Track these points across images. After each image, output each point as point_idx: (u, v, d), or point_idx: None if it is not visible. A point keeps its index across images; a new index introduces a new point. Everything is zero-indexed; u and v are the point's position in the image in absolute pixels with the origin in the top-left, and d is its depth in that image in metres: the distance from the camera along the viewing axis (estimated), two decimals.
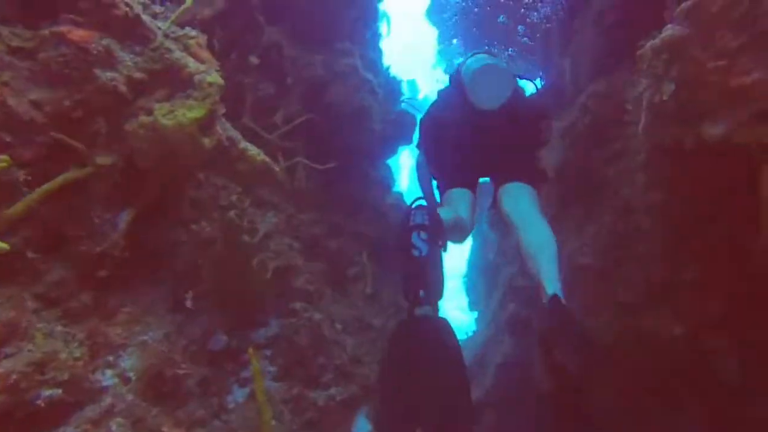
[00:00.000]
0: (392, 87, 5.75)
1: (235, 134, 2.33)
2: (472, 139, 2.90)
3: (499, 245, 5.05)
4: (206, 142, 2.00)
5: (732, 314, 2.63)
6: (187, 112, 1.82)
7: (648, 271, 2.95)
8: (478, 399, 5.24)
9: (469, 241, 8.11)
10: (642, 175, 2.73)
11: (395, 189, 5.61)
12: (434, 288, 2.16)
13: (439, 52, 8.11)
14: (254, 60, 3.64)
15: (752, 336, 2.58)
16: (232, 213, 2.57)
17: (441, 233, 2.28)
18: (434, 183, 3.23)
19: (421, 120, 3.27)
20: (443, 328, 2.11)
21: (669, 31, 2.06)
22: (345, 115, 4.22)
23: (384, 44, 6.21)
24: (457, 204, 2.88)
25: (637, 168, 2.76)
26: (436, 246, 2.22)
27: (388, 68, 6.14)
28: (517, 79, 3.03)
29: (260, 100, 3.79)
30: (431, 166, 3.17)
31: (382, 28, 6.28)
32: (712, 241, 2.55)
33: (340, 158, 4.31)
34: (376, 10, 5.27)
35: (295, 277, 3.21)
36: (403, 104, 5.89)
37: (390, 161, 6.16)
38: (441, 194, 3.09)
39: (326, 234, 4.00)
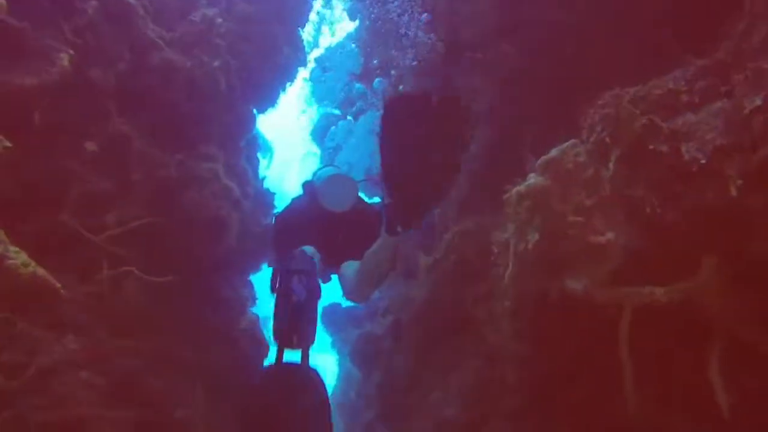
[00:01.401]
0: (264, 199, 5.41)
1: None
2: (318, 236, 3.22)
3: (361, 385, 4.57)
4: None
5: None
6: None
7: (515, 431, 2.67)
8: None
9: (333, 372, 7.52)
10: (508, 323, 2.56)
11: (253, 310, 4.99)
12: (309, 334, 2.40)
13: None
14: (91, 146, 3.09)
15: None
16: None
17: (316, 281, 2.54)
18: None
19: (275, 220, 3.80)
20: (312, 376, 2.36)
21: (532, 179, 2.01)
22: (197, 225, 3.71)
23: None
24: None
25: (504, 315, 2.60)
26: (314, 292, 2.46)
27: (263, 179, 5.86)
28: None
29: (90, 195, 3.16)
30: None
31: (266, 156, 6.09)
32: (578, 401, 2.37)
33: (185, 272, 3.69)
34: (254, 118, 5.08)
35: None
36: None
37: (254, 277, 5.61)
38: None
39: (149, 366, 3.21)
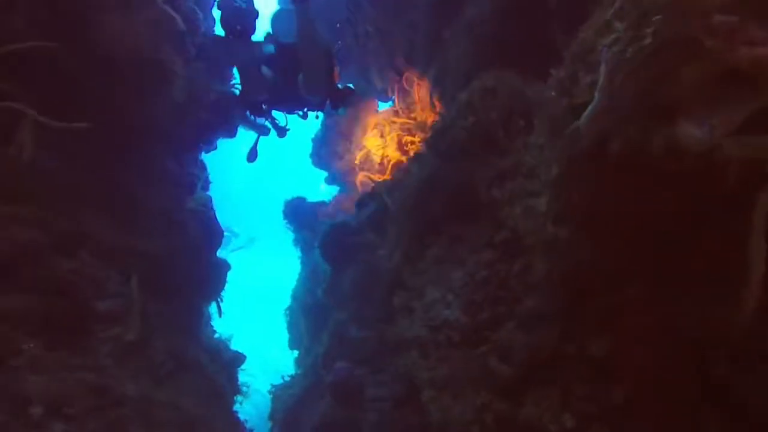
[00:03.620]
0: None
1: None
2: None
3: (331, 281, 3.98)
4: None
5: (637, 409, 1.89)
6: None
7: (534, 339, 2.11)
8: None
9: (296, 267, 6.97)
10: (548, 197, 1.88)
11: (205, 191, 4.18)
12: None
13: None
14: None
15: None
16: None
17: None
18: None
19: None
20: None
21: None
22: (124, 66, 2.75)
23: None
24: None
25: (543, 188, 1.91)
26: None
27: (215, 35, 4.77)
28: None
29: None
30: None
31: None
32: (633, 310, 1.78)
33: (109, 129, 2.80)
34: None
35: None
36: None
37: (208, 157, 4.72)
38: None
39: (58, 244, 2.41)
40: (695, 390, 1.74)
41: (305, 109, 3.95)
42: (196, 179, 3.95)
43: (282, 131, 3.91)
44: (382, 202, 3.46)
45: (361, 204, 4.00)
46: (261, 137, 3.99)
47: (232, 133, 4.50)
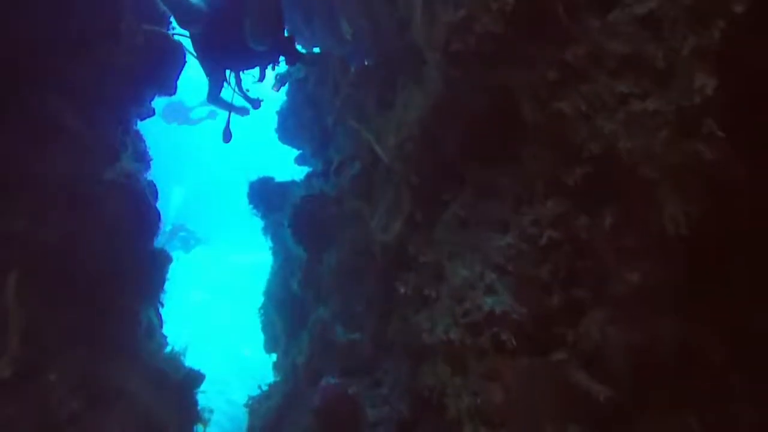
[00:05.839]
0: None
1: None
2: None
3: (307, 270, 3.09)
4: None
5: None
6: None
7: (641, 336, 1.26)
8: None
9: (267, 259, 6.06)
10: (673, 87, 1.02)
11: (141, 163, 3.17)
12: None
13: None
14: None
15: None
16: None
17: None
18: None
19: None
20: None
21: None
22: None
23: None
24: None
25: (660, 82, 1.05)
26: None
27: None
28: None
29: None
30: None
31: None
32: None
33: None
34: None
35: None
36: None
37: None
38: None
39: None
40: None
41: (256, 65, 3.25)
42: (119, 145, 2.95)
43: (256, 103, 3.45)
44: (369, 159, 2.56)
45: (341, 166, 3.09)
46: (233, 114, 3.40)
47: (170, 90, 3.52)
